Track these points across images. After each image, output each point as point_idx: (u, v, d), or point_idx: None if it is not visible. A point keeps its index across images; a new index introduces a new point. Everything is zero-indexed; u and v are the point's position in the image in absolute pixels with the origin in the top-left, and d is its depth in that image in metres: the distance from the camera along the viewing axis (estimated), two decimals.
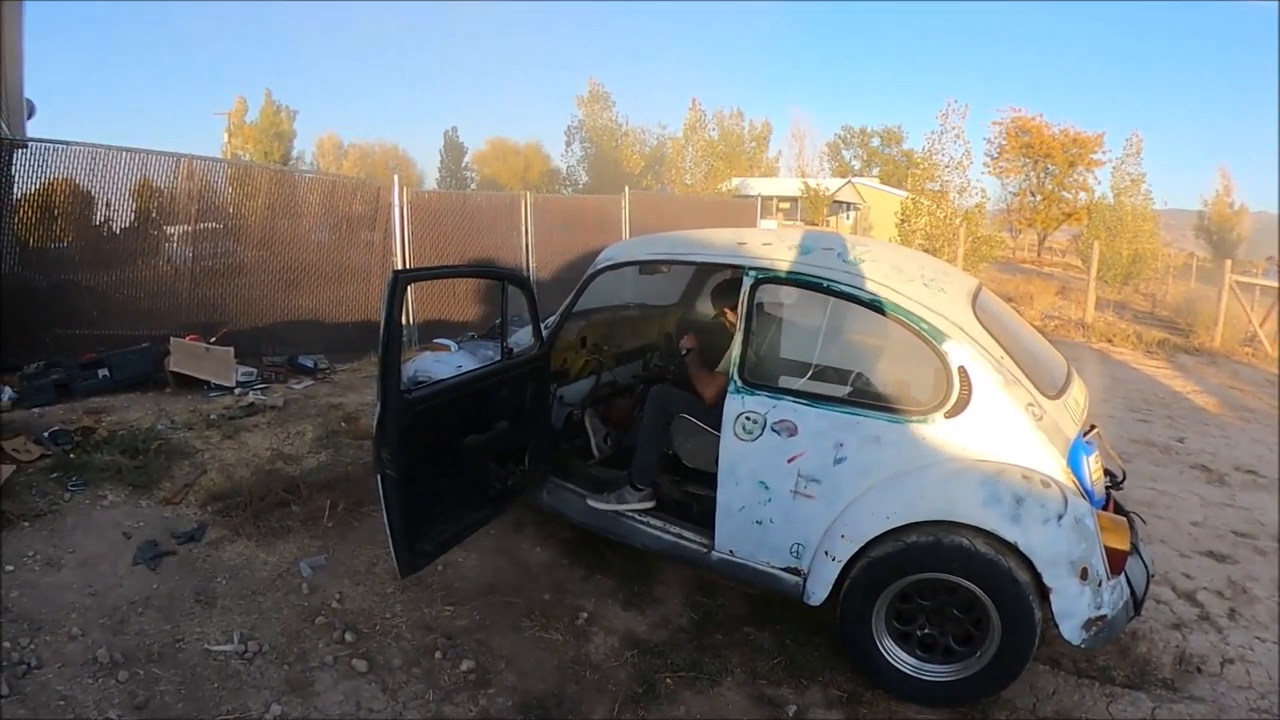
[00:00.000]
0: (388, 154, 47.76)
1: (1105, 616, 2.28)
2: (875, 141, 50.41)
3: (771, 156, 40.63)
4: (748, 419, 2.48)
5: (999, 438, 2.31)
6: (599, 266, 2.90)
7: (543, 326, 3.04)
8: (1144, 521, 3.03)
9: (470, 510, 2.74)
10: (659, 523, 2.77)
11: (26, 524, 3.07)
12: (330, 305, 6.25)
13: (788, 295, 2.66)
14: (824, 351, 2.56)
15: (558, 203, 9.16)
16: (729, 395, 2.53)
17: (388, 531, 2.47)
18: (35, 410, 4.24)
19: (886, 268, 2.49)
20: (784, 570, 2.53)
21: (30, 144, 5.05)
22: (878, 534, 2.31)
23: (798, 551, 2.49)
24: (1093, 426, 2.67)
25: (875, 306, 2.41)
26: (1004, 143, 33.56)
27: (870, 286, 2.41)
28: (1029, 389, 2.35)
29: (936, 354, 2.34)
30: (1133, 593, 2.48)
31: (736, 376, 2.52)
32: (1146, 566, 2.61)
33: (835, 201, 30.81)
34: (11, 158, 4.91)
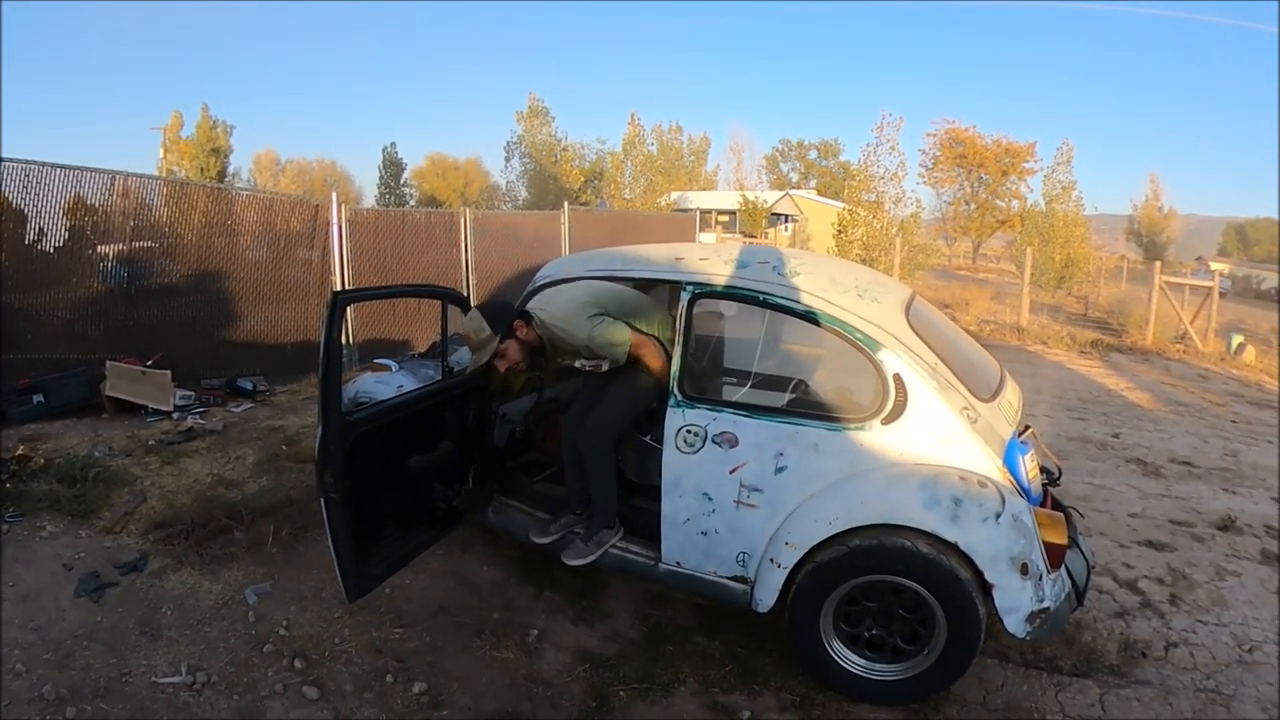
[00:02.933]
0: (325, 170, 49.02)
1: (1048, 609, 2.40)
2: (813, 154, 53.64)
3: (710, 170, 42.64)
4: (689, 432, 2.56)
5: (936, 441, 2.44)
6: (537, 284, 2.94)
7: None
8: (1082, 516, 3.22)
9: (417, 531, 2.78)
10: None
11: None
12: (269, 325, 6.20)
13: (726, 309, 2.80)
14: (762, 363, 2.64)
15: (497, 219, 9.34)
16: (670, 409, 2.60)
17: (333, 556, 2.51)
18: None
19: (822, 280, 2.59)
20: (731, 579, 2.61)
21: None
22: (821, 539, 2.41)
23: (744, 560, 2.58)
24: (1027, 427, 2.83)
25: (811, 318, 2.51)
26: (938, 153, 35.58)
27: (805, 299, 2.51)
28: (963, 393, 2.48)
29: (872, 362, 2.45)
30: (1074, 584, 2.62)
31: (676, 390, 2.59)
32: (1086, 559, 2.75)
33: (773, 214, 32.10)
34: None
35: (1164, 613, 3.21)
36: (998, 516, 2.35)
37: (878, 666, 2.55)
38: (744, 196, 31.49)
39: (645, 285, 2.91)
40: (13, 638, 2.63)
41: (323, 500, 2.41)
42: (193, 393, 5.00)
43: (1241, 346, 11.66)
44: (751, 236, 26.34)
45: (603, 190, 31.82)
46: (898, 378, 2.43)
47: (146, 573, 3.11)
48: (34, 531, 3.30)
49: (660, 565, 2.73)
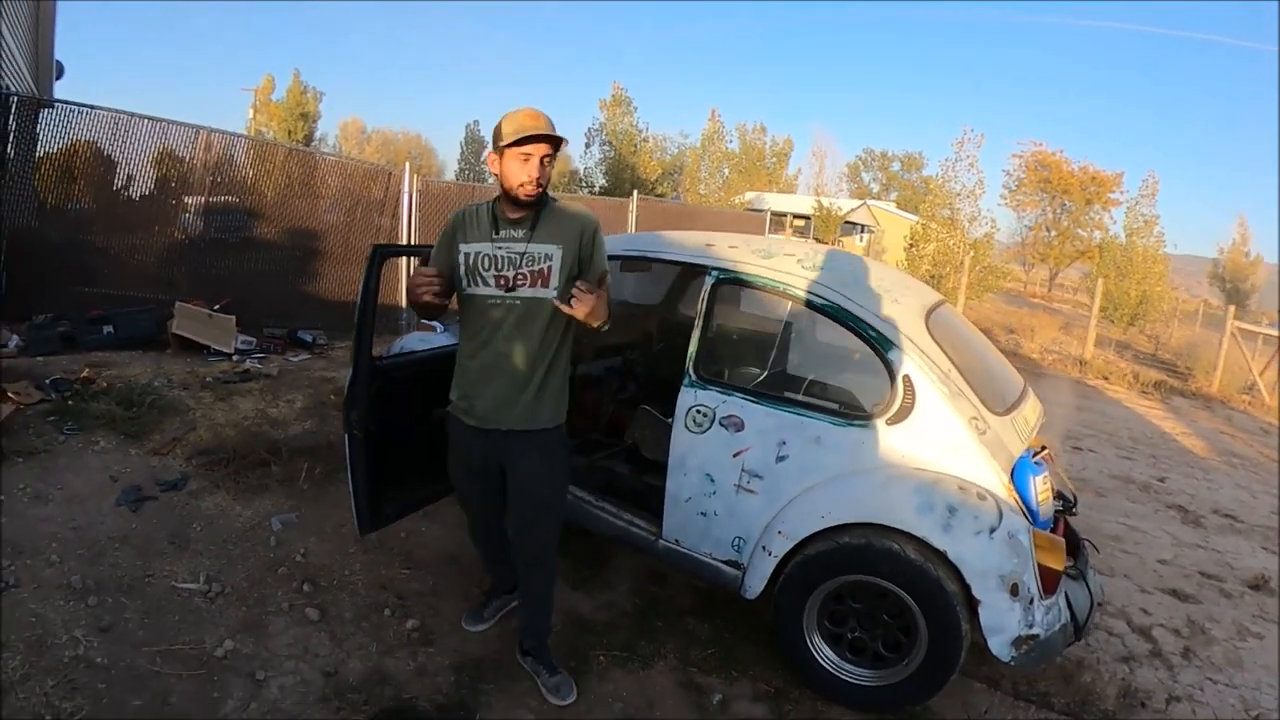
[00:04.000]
0: (410, 143, 51.99)
1: (1037, 636, 2.36)
2: (896, 166, 54.11)
3: (791, 174, 42.89)
4: (698, 412, 2.66)
5: (940, 448, 2.45)
6: None
7: None
8: (1097, 550, 3.14)
9: (433, 480, 3.01)
10: (613, 509, 2.95)
11: (21, 460, 3.37)
12: (335, 285, 6.54)
13: (747, 297, 2.92)
14: (776, 352, 2.70)
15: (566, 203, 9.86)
16: (683, 388, 2.70)
17: (350, 489, 2.72)
18: (39, 358, 4.57)
19: (844, 276, 2.66)
20: (725, 563, 2.68)
21: (56, 104, 5.44)
22: (813, 532, 2.46)
23: (739, 545, 2.65)
24: (1043, 447, 2.85)
25: (827, 312, 2.57)
26: (1023, 175, 34.80)
27: (824, 292, 2.58)
28: (974, 403, 2.49)
29: (883, 361, 2.49)
30: (1074, 616, 2.56)
31: (692, 371, 2.69)
32: (1092, 593, 2.69)
33: (848, 222, 32.28)
34: (37, 116, 5.28)
35: (1173, 665, 3.12)
36: (992, 531, 2.34)
37: (856, 669, 2.57)
38: (819, 202, 31.67)
39: (686, 273, 3.06)
40: (52, 532, 2.91)
41: (346, 436, 2.64)
42: (254, 339, 5.37)
43: None
44: (821, 242, 26.27)
45: (680, 184, 32.35)
46: (907, 379, 2.47)
47: (185, 492, 3.39)
48: (88, 445, 3.63)
49: (660, 541, 2.83)
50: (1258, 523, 5.28)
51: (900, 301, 2.64)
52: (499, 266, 2.15)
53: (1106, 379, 11.24)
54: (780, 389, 2.67)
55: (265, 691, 2.36)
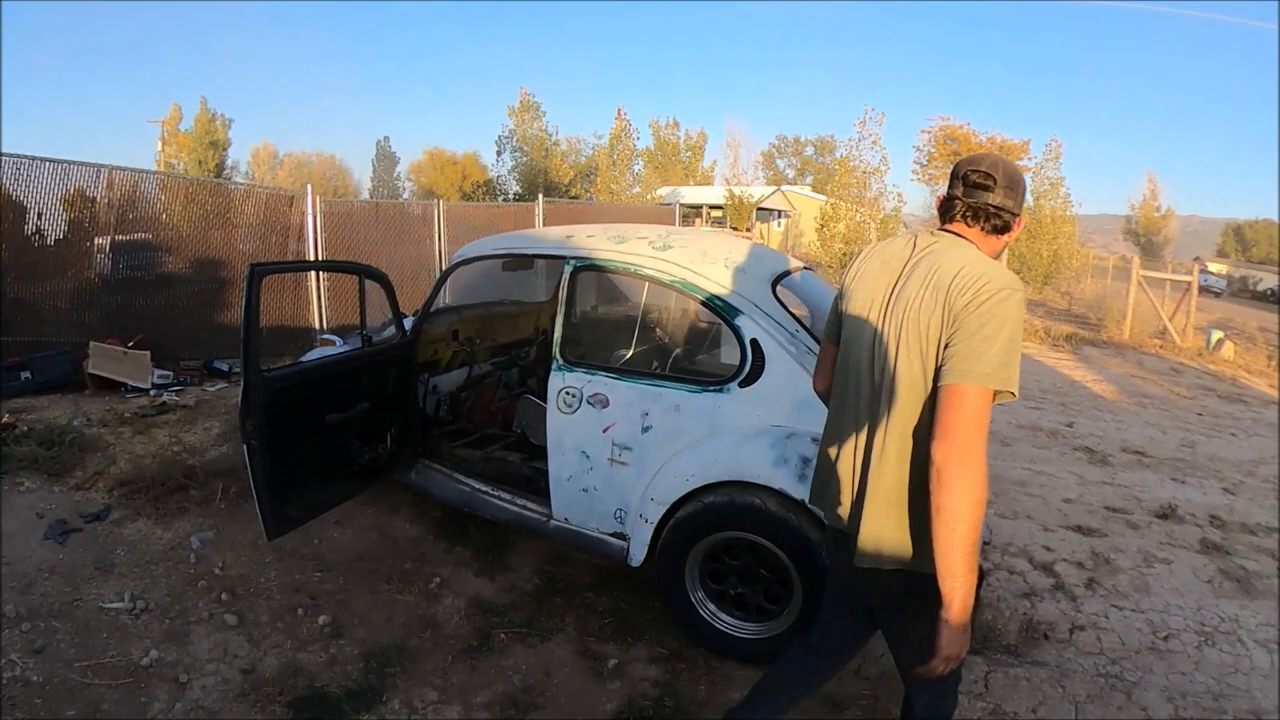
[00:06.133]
0: (324, 164, 56.59)
1: None
2: (809, 150, 63.07)
3: (707, 166, 50.16)
4: (567, 393, 3.31)
5: (793, 404, 3.05)
6: (453, 262, 3.76)
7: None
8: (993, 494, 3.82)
9: (336, 482, 3.63)
10: (507, 495, 3.63)
11: None
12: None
13: (607, 281, 3.57)
14: (632, 329, 3.36)
15: (473, 211, 10.97)
16: (552, 373, 3.35)
17: (254, 497, 3.44)
18: None
19: (693, 253, 3.29)
20: (611, 535, 3.35)
21: None
22: (680, 496, 3.09)
23: (620, 516, 3.31)
24: None
25: (676, 287, 3.21)
26: (933, 150, 39.59)
27: (673, 270, 3.22)
28: None
29: (731, 328, 3.12)
30: None
31: (558, 355, 3.34)
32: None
33: (764, 209, 36.82)
34: None
35: (1076, 596, 3.72)
36: None
37: (742, 624, 3.21)
38: (730, 191, 36.21)
39: (556, 266, 3.74)
40: None
41: (244, 446, 3.34)
42: (170, 372, 6.21)
43: (1220, 342, 13.49)
44: (736, 230, 29.81)
45: (593, 185, 36.83)
46: (755, 343, 3.10)
47: (108, 521, 4.13)
48: (13, 486, 4.39)
49: (552, 522, 3.50)
50: (1167, 456, 5.95)
51: (748, 271, 3.29)
52: None
53: None
54: (642, 364, 3.33)
55: (189, 692, 3.03)
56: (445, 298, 4.62)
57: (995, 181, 1.90)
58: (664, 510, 3.18)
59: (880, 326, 1.90)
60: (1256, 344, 14.38)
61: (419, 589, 3.61)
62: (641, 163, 41.35)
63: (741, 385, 3.14)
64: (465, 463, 3.89)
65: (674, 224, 17.92)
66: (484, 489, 3.71)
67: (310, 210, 7.09)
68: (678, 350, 3.38)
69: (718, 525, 3.12)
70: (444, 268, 9.08)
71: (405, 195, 49.64)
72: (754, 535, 3.07)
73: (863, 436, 1.92)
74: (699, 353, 3.35)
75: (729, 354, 3.20)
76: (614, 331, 3.52)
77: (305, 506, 3.56)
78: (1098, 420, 7.18)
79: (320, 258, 7.22)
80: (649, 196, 35.54)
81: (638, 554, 3.28)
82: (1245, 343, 14.39)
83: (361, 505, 4.11)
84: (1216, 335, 14.08)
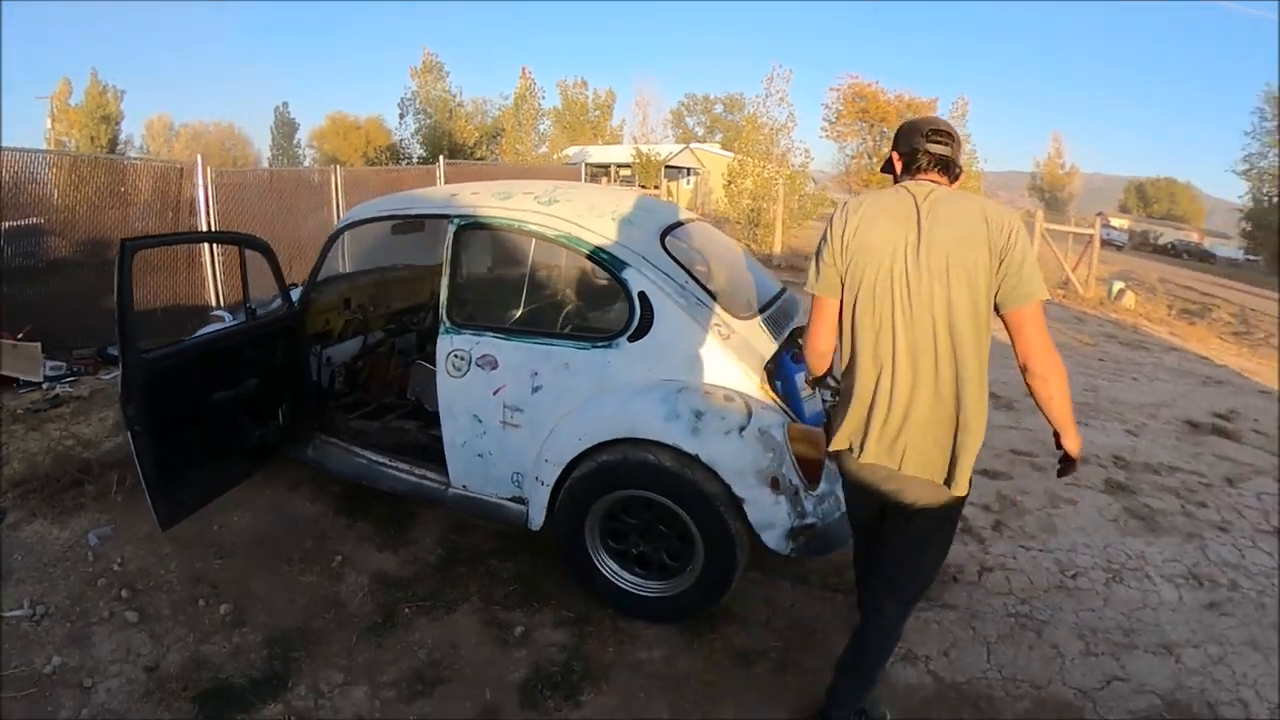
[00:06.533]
0: (223, 134, 56.77)
1: (814, 525, 3.01)
2: (719, 109, 65.02)
3: (616, 125, 51.39)
4: (456, 356, 3.32)
5: (684, 357, 3.11)
6: (338, 228, 3.74)
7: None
8: None
9: (229, 464, 3.61)
10: (405, 465, 3.64)
11: None
12: (144, 293, 7.07)
13: (493, 239, 3.57)
14: (520, 287, 3.37)
15: (372, 176, 10.88)
16: (439, 336, 3.36)
17: (144, 485, 3.42)
18: None
19: (579, 207, 3.30)
20: (510, 500, 3.37)
21: None
22: (574, 455, 3.12)
23: (518, 480, 3.33)
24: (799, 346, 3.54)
25: (561, 242, 3.22)
26: (841, 108, 42.23)
27: (558, 224, 3.22)
28: (716, 311, 3.15)
29: (618, 281, 3.14)
30: None
31: (445, 318, 3.34)
32: None
33: (673, 167, 37.81)
34: None
35: (984, 538, 3.83)
36: (741, 430, 2.98)
37: (646, 582, 3.26)
38: (638, 149, 36.83)
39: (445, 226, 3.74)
40: None
41: (129, 434, 3.32)
42: (63, 363, 6.10)
43: (1122, 292, 14.57)
44: (644, 188, 30.27)
45: (500, 146, 37.80)
46: (643, 295, 3.12)
47: (3, 525, 4.10)
48: None
49: (450, 490, 3.52)
50: (1073, 399, 6.10)
51: (636, 223, 3.30)
52: None
53: None
54: (532, 323, 3.35)
55: (94, 696, 3.01)
56: (345, 263, 4.60)
57: (951, 138, 2.32)
58: (559, 471, 3.21)
59: (915, 269, 2.18)
60: (1157, 294, 15.59)
61: (321, 568, 3.62)
62: (548, 122, 42.65)
63: (631, 340, 3.16)
64: (362, 435, 3.90)
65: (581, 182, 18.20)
66: (381, 460, 3.72)
67: (201, 183, 6.96)
68: (567, 307, 3.40)
69: (613, 484, 3.15)
70: (346, 237, 9.09)
71: (307, 163, 49.42)
72: (650, 493, 3.11)
73: (904, 371, 2.22)
74: (588, 308, 3.37)
75: (618, 308, 3.22)
76: (502, 291, 3.53)
77: (198, 492, 3.55)
78: (1002, 367, 7.01)
79: (214, 228, 7.11)
80: (555, 157, 36.59)
81: (536, 518, 3.31)
82: (1146, 293, 15.39)
83: (260, 485, 4.10)
84: (1118, 286, 15.04)
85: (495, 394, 3.30)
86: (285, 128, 54.14)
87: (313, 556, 3.70)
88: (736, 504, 2.99)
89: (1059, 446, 2.34)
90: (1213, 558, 4.19)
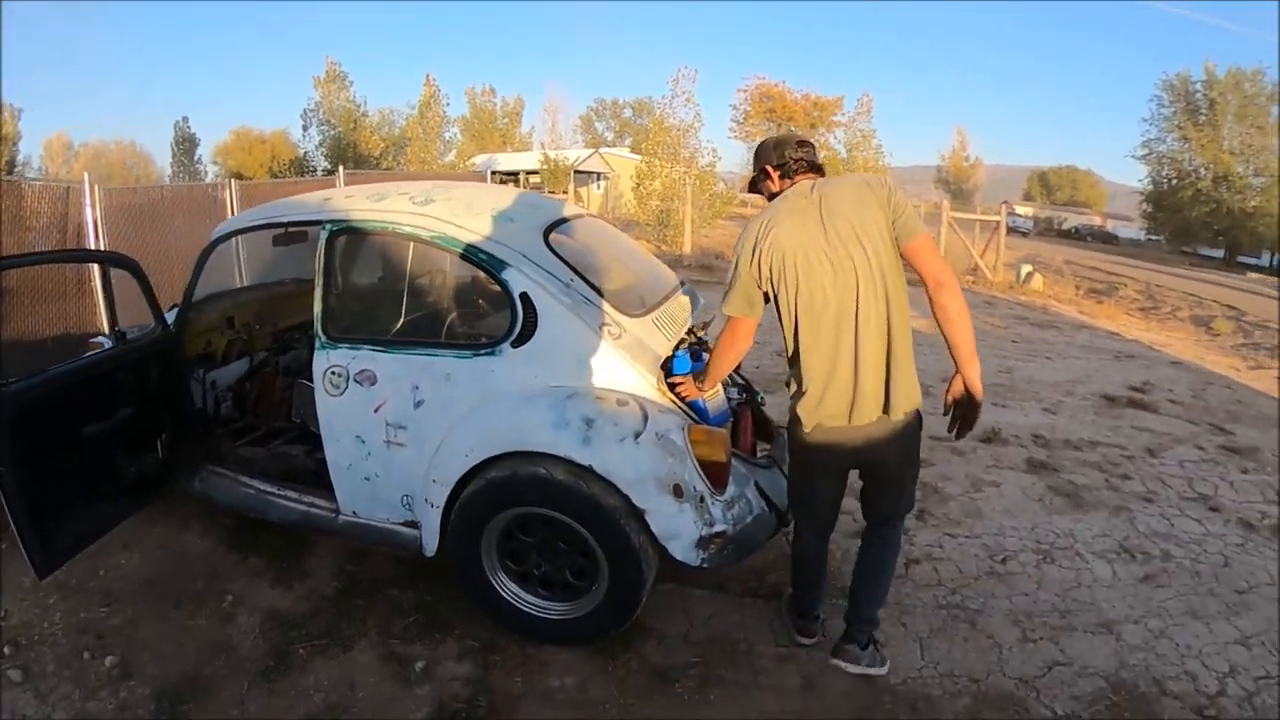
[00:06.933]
0: (125, 152, 55.22)
1: (724, 532, 2.74)
2: (628, 113, 65.99)
3: (525, 132, 52.23)
4: (333, 373, 3.02)
5: (572, 360, 2.84)
6: (210, 240, 3.41)
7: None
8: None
9: (105, 502, 3.29)
10: (294, 494, 3.34)
11: None
12: (33, 324, 6.60)
13: (369, 245, 3.31)
14: (398, 295, 3.06)
15: (270, 189, 10.40)
16: (316, 352, 3.05)
17: (15, 533, 3.18)
18: None
19: (456, 206, 3.01)
20: (403, 525, 3.08)
21: None
22: (462, 473, 2.83)
23: (408, 503, 3.04)
24: (699, 341, 3.31)
25: (438, 244, 2.93)
26: (749, 108, 43.52)
27: (433, 225, 2.93)
28: (604, 309, 2.88)
29: (498, 283, 2.86)
30: (773, 504, 3.01)
31: (321, 332, 3.04)
32: (786, 477, 3.08)
33: (582, 172, 37.91)
34: None
35: (908, 529, 3.60)
36: (637, 436, 2.71)
37: (552, 604, 2.99)
38: (545, 155, 37.49)
39: (305, 230, 3.47)
40: None
41: None
42: None
43: (1030, 275, 15.14)
44: (552, 193, 30.86)
45: (404, 156, 38.13)
46: (525, 297, 2.84)
47: None
48: None
49: (340, 517, 3.22)
50: (986, 383, 5.90)
51: (517, 220, 3.04)
52: None
53: None
54: (412, 333, 3.08)
55: None
56: (244, 278, 4.32)
57: (812, 145, 2.76)
58: (448, 492, 2.91)
59: (830, 245, 2.50)
60: (1064, 275, 15.96)
61: (211, 610, 3.33)
62: (455, 130, 43.15)
63: (515, 345, 2.89)
64: (249, 463, 3.60)
65: None
66: (269, 489, 3.44)
67: (89, 202, 6.62)
68: (450, 314, 3.13)
69: (505, 502, 2.87)
70: (239, 252, 8.75)
71: (210, 178, 48.20)
72: (544, 509, 2.84)
73: (869, 334, 2.54)
74: (471, 314, 3.11)
75: (500, 312, 2.97)
76: (380, 300, 3.25)
77: (75, 534, 3.25)
78: (916, 355, 6.94)
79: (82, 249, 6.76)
80: (465, 164, 37.06)
81: (430, 543, 3.03)
82: (1053, 275, 15.75)
83: (150, 522, 3.81)
84: (1026, 269, 15.57)
85: (376, 411, 3.03)
86: (186, 143, 52.23)
87: (203, 597, 3.40)
88: (638, 515, 2.73)
89: (952, 399, 2.69)
90: (1142, 529, 4.04)
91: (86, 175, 6.67)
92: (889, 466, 2.76)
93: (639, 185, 20.82)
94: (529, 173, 37.15)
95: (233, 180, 8.86)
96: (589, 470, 2.72)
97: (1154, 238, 47.86)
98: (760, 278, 2.58)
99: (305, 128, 40.80)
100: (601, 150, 45.02)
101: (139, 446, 3.40)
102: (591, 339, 2.88)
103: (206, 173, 50.47)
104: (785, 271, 2.52)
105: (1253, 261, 38.12)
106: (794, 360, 2.65)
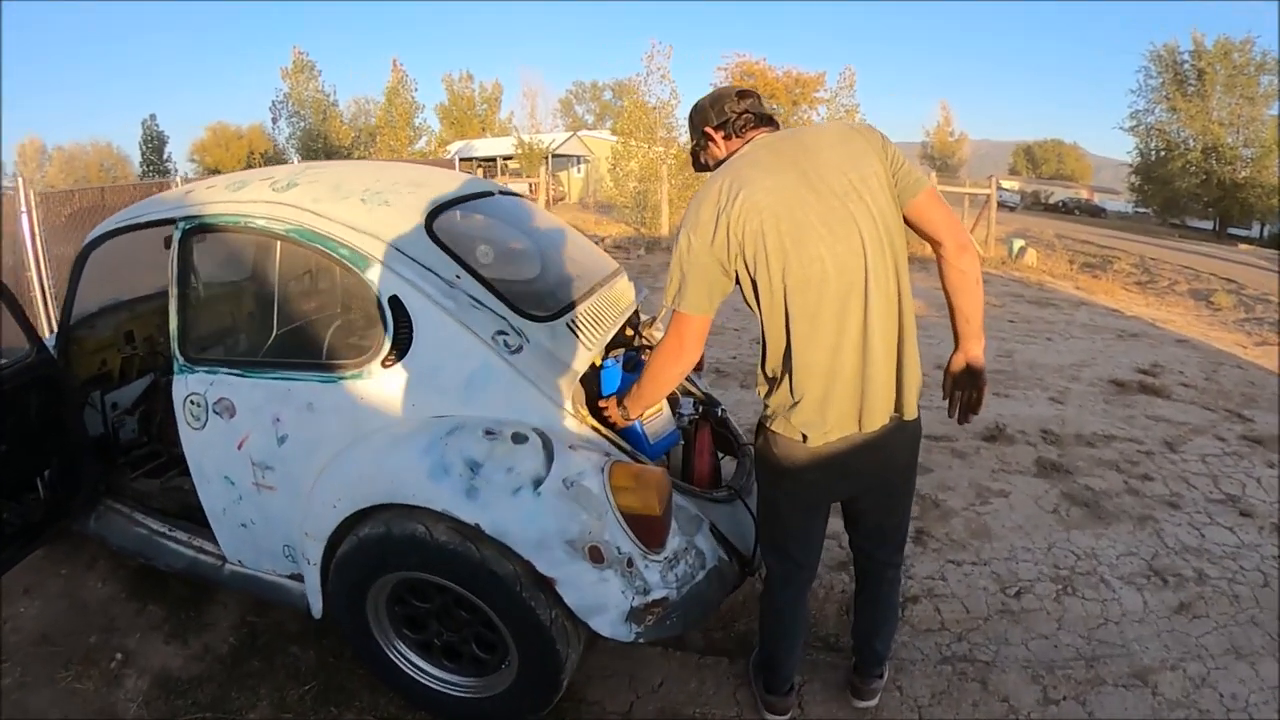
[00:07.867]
0: (100, 154, 53.27)
1: (665, 599, 2.03)
2: (608, 95, 63.58)
3: (504, 117, 50.02)
4: (193, 403, 2.32)
5: (456, 381, 2.11)
6: (84, 246, 2.79)
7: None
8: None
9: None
10: (184, 535, 2.68)
11: None
12: None
13: (222, 244, 2.71)
14: (259, 306, 2.34)
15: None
16: (174, 376, 2.37)
17: None
18: None
19: (320, 189, 2.28)
20: (290, 578, 2.38)
21: None
22: (334, 528, 2.15)
23: (291, 555, 2.33)
24: (637, 348, 2.62)
25: (292, 238, 2.20)
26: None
27: (289, 215, 2.21)
28: (500, 313, 2.14)
29: (362, 285, 2.13)
30: (733, 552, 2.25)
31: (178, 352, 2.36)
32: (753, 513, 2.35)
33: (560, 155, 36.31)
34: None
35: (905, 556, 2.87)
36: (537, 484, 1.96)
37: (459, 679, 2.28)
38: (520, 139, 35.75)
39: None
40: None
41: None
42: None
43: (1023, 250, 14.14)
44: (528, 178, 29.24)
45: (376, 146, 37.17)
46: (395, 301, 2.07)
47: None
48: None
49: (226, 566, 2.52)
50: (987, 370, 5.16)
51: (393, 204, 2.28)
52: None
53: None
54: (274, 353, 2.43)
55: None
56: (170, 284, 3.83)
57: (757, 97, 2.12)
58: (323, 547, 2.19)
59: (838, 207, 1.86)
60: (1056, 250, 15.03)
61: (100, 671, 2.69)
62: (425, 115, 41.64)
63: (385, 364, 2.12)
64: (145, 497, 3.08)
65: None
66: (161, 529, 2.84)
67: (24, 207, 6.18)
68: (318, 328, 2.46)
69: (381, 565, 2.11)
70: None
71: (175, 176, 49.28)
72: (427, 575, 2.10)
73: (879, 315, 1.90)
74: (338, 327, 2.44)
75: (364, 321, 2.35)
76: (238, 312, 2.60)
77: None
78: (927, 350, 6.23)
79: (43, 264, 6.18)
80: (439, 152, 35.63)
81: (316, 604, 2.28)
82: (1046, 249, 14.82)
83: (57, 564, 3.25)
84: (1019, 244, 14.44)
85: (240, 448, 2.33)
86: (154, 141, 49.16)
87: (94, 656, 2.79)
88: (546, 584, 1.99)
89: (953, 378, 2.19)
90: (1171, 544, 3.28)
91: (20, 179, 6.26)
92: (895, 484, 2.15)
93: (615, 166, 19.58)
94: (506, 158, 35.88)
95: (179, 178, 8.25)
96: (477, 530, 1.98)
97: (1143, 210, 45.74)
98: (728, 255, 1.84)
99: (275, 120, 39.74)
100: (581, 133, 41.75)
101: (14, 488, 2.94)
102: (481, 352, 2.13)
103: (177, 170, 49.71)
104: (766, 242, 1.80)
105: (1243, 233, 36.14)
106: (781, 359, 1.92)
